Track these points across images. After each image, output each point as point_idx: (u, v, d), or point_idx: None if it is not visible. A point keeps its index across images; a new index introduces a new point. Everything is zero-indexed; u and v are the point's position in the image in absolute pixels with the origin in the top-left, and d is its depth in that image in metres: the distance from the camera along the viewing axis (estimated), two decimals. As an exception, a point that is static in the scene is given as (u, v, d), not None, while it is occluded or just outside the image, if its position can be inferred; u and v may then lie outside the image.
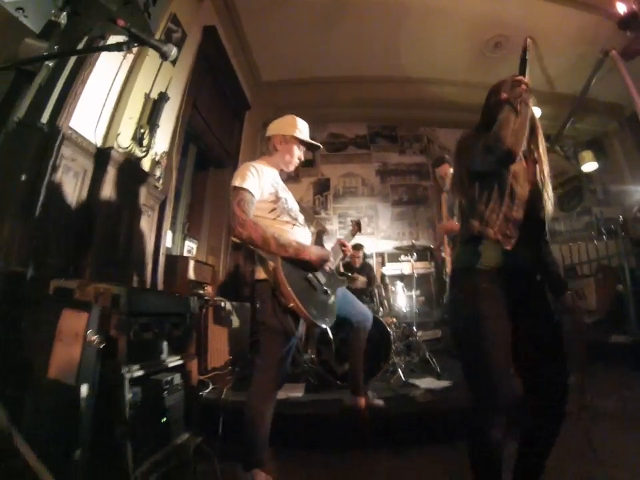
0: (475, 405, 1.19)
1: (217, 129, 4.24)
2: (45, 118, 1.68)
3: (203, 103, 3.87)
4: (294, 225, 1.75)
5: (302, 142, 1.88)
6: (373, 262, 5.18)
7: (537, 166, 1.35)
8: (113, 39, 1.67)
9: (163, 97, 2.68)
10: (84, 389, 1.19)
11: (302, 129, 1.89)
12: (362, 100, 5.66)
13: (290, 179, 2.08)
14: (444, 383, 2.70)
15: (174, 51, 1.19)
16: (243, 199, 1.61)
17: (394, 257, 5.22)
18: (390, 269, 4.96)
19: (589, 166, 5.44)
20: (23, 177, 1.63)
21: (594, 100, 5.54)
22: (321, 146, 1.99)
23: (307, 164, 5.63)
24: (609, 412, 2.14)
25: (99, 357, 1.25)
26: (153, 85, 2.62)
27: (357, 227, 2.33)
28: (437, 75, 5.36)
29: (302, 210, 1.90)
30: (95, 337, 1.20)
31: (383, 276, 4.83)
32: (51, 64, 1.44)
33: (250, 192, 1.64)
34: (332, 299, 1.77)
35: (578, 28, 3.99)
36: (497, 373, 1.14)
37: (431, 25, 4.49)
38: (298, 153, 1.88)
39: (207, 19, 3.82)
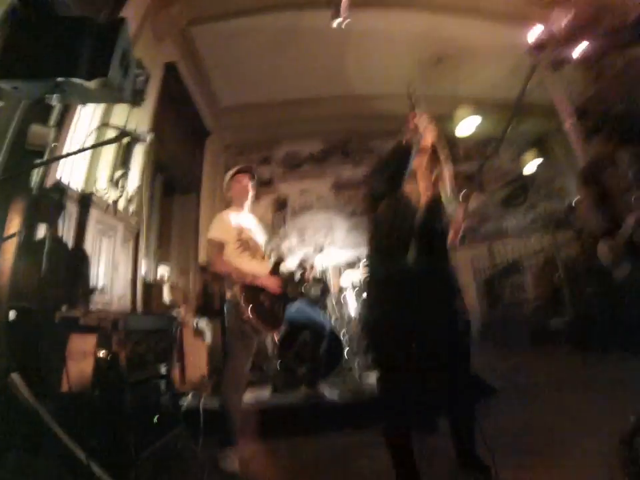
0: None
1: (180, 158, 4.59)
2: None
3: (167, 135, 4.21)
4: (253, 258, 2.27)
5: (237, 174, 2.43)
6: (330, 272, 5.52)
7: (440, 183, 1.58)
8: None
9: (137, 137, 3.02)
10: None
11: (231, 173, 2.47)
12: (315, 118, 5.99)
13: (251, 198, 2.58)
14: None
15: (148, 137, 1.60)
16: (214, 246, 2.19)
17: (351, 266, 5.57)
18: (347, 278, 5.30)
19: (532, 165, 5.79)
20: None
21: (533, 104, 5.95)
22: (252, 166, 2.64)
23: (264, 184, 6.04)
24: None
25: (107, 369, 1.61)
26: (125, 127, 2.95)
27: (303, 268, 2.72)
28: (384, 90, 5.61)
29: (267, 241, 2.46)
30: (104, 353, 1.56)
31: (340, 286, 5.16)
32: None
33: (219, 239, 2.21)
34: (280, 312, 2.28)
35: (510, 42, 4.17)
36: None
37: (375, 44, 4.90)
38: (241, 187, 2.41)
39: (168, 56, 4.12)
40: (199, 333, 3.58)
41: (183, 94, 4.63)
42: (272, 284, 2.24)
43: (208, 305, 4.36)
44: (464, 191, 1.82)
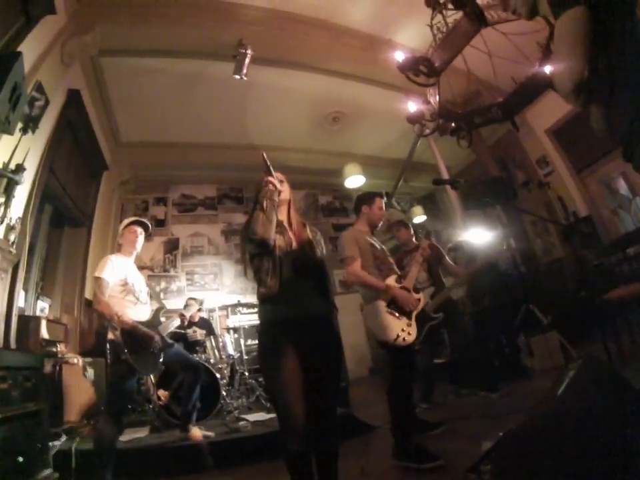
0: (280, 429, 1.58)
1: (73, 190, 4.37)
2: None
3: (61, 165, 4.01)
4: (136, 303, 2.51)
5: (132, 224, 2.72)
6: (217, 315, 5.58)
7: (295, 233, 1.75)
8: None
9: (19, 169, 2.90)
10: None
11: (127, 221, 2.75)
12: (212, 164, 6.21)
13: (144, 238, 2.77)
14: (272, 415, 3.19)
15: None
16: (100, 284, 2.35)
17: (235, 311, 5.45)
18: (233, 320, 5.26)
19: (419, 218, 6.48)
20: None
21: (423, 163, 6.86)
22: (148, 222, 2.85)
23: (158, 224, 6.09)
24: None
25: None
26: (10, 159, 2.83)
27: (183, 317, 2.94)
28: (281, 142, 6.20)
29: (149, 289, 2.74)
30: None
31: (228, 328, 5.12)
32: None
33: (105, 279, 2.37)
34: (156, 357, 2.50)
35: (400, 109, 5.01)
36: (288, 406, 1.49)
37: (274, 99, 5.25)
38: (133, 237, 2.68)
39: (73, 82, 4.03)
40: (82, 371, 3.36)
41: (83, 123, 4.49)
42: (150, 334, 2.42)
43: (94, 344, 4.11)
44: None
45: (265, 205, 1.61)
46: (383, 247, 2.63)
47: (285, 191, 1.75)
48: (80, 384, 3.24)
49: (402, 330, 2.27)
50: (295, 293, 1.59)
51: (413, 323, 2.35)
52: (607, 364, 1.98)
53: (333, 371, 1.66)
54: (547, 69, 2.17)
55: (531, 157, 6.42)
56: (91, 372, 3.37)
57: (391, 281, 2.40)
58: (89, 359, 3.52)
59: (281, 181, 1.73)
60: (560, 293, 5.53)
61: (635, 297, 2.64)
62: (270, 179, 1.65)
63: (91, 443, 2.39)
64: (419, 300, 2.42)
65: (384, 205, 2.67)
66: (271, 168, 1.67)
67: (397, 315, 2.33)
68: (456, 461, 1.90)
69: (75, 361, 3.32)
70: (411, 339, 2.28)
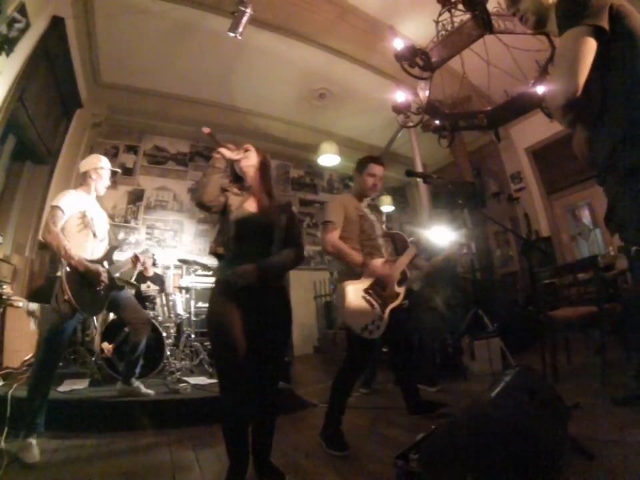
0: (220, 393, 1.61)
1: (41, 124, 4.09)
2: None
3: (32, 94, 3.73)
4: (92, 238, 2.40)
5: (102, 168, 2.57)
6: (171, 273, 5.53)
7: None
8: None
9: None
10: None
11: (98, 161, 2.58)
12: (191, 119, 5.92)
13: (109, 185, 2.66)
14: (213, 381, 3.26)
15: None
16: (55, 214, 2.23)
17: (190, 271, 5.24)
18: (186, 280, 5.12)
19: (386, 208, 6.47)
20: None
21: (400, 155, 7.04)
22: (119, 170, 2.77)
23: (126, 172, 5.86)
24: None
25: None
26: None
27: (136, 260, 2.86)
28: (264, 109, 6.16)
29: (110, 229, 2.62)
30: None
31: (180, 287, 4.95)
32: None
33: (61, 209, 2.25)
34: (102, 298, 2.42)
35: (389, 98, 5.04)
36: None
37: (265, 65, 5.13)
38: (100, 177, 2.55)
39: (59, 9, 3.76)
40: (27, 316, 3.23)
41: (63, 55, 4.19)
42: (97, 270, 2.33)
43: (42, 288, 3.94)
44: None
45: (209, 170, 1.71)
46: (379, 224, 2.47)
47: (250, 159, 1.84)
48: (23, 329, 3.12)
49: (372, 322, 2.12)
50: (243, 255, 1.64)
51: (386, 317, 2.18)
52: (542, 376, 2.11)
53: (277, 345, 1.72)
54: (540, 89, 2.21)
55: (506, 170, 6.65)
56: (36, 317, 3.24)
57: (377, 263, 2.22)
58: (35, 304, 3.38)
59: (246, 150, 1.84)
60: (509, 304, 5.84)
61: (578, 319, 2.81)
62: (220, 149, 1.73)
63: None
64: (399, 295, 2.26)
65: (379, 172, 2.46)
66: (219, 141, 1.76)
67: (373, 303, 2.16)
68: (387, 446, 1.98)
69: (20, 304, 3.18)
70: (377, 334, 2.13)
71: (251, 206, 1.78)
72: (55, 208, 2.25)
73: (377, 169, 2.45)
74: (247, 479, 1.57)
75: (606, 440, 1.65)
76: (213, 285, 1.73)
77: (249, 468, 1.59)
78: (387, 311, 2.20)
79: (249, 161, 1.84)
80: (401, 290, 2.29)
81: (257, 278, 1.58)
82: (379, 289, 2.20)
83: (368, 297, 2.16)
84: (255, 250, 1.67)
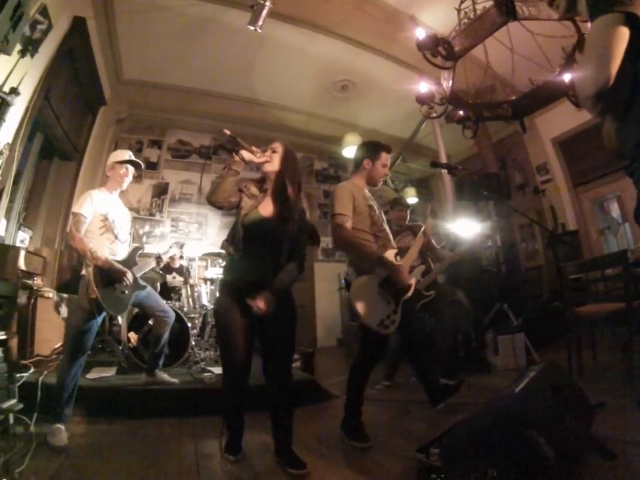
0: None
1: (66, 122, 4.23)
2: None
3: (57, 93, 3.87)
4: (114, 241, 2.44)
5: (124, 162, 2.55)
6: (196, 265, 5.64)
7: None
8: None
9: (13, 92, 2.77)
10: None
11: (122, 155, 2.57)
12: (213, 113, 6.05)
13: (133, 179, 2.64)
14: None
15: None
16: (77, 220, 2.28)
17: (215, 263, 5.24)
18: (211, 272, 5.31)
19: (411, 200, 6.31)
20: None
21: (423, 146, 6.90)
22: (142, 164, 2.67)
23: (150, 166, 5.99)
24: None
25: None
26: (5, 81, 2.71)
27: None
28: (284, 102, 6.14)
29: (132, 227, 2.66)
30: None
31: (205, 278, 4.95)
32: None
33: (83, 215, 2.30)
34: (127, 297, 2.45)
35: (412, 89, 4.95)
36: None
37: (286, 57, 5.12)
38: (123, 174, 2.54)
39: (80, 9, 3.84)
40: (56, 307, 3.36)
41: (85, 54, 4.29)
42: (122, 271, 2.36)
43: (70, 281, 4.09)
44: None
45: (225, 173, 1.73)
46: (381, 211, 2.35)
47: (273, 164, 1.83)
48: (53, 319, 3.25)
49: (387, 317, 2.06)
50: (251, 259, 1.71)
51: (400, 310, 2.12)
52: (566, 373, 2.06)
53: (283, 338, 1.80)
54: (567, 77, 2.13)
55: (532, 161, 6.42)
56: (64, 308, 3.37)
57: (390, 256, 2.12)
58: (63, 295, 3.52)
59: (273, 151, 1.84)
60: (534, 299, 5.70)
61: (605, 316, 2.71)
62: (241, 151, 1.74)
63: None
64: (411, 286, 2.16)
65: (389, 163, 2.34)
66: (242, 143, 1.74)
67: (388, 297, 2.09)
68: (408, 440, 1.98)
69: (50, 295, 3.31)
70: (392, 328, 2.07)
71: (264, 209, 1.81)
72: (76, 215, 2.31)
73: (387, 159, 2.33)
74: (261, 466, 1.76)
75: (630, 441, 1.60)
76: (220, 285, 1.83)
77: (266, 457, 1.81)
78: (401, 303, 2.13)
79: (271, 167, 1.84)
80: (413, 281, 2.20)
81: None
82: (392, 281, 2.11)
83: (382, 291, 2.09)
84: (263, 253, 1.73)
